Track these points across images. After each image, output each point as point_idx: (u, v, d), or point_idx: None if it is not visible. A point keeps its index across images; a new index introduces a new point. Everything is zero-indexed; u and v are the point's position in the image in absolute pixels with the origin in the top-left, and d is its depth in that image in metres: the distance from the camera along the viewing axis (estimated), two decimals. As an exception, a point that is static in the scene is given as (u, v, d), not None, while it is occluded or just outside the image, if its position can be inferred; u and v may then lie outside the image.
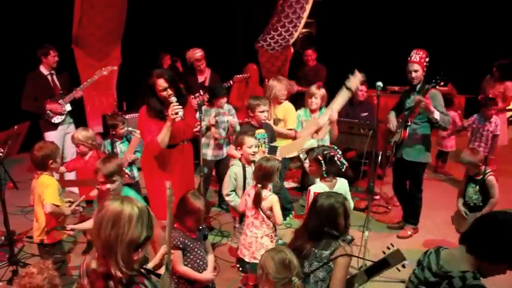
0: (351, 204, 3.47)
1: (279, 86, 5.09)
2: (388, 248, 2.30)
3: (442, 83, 4.35)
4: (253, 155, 3.95)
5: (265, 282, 2.32)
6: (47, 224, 3.52)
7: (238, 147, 4.04)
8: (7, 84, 6.31)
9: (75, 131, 5.05)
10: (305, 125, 4.97)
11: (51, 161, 3.44)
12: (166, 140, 3.70)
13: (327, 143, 4.99)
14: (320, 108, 5.09)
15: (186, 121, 3.82)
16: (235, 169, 4.02)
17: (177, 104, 3.62)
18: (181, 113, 3.61)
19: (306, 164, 4.01)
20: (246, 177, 4.00)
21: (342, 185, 3.52)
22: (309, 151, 3.59)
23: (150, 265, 2.83)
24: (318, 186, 3.44)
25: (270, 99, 5.00)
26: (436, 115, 4.36)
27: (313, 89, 5.04)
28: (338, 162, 3.44)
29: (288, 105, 5.20)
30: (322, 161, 3.41)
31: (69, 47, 7.30)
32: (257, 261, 3.46)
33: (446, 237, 4.70)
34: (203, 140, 4.53)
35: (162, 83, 3.68)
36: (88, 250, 4.54)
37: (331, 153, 3.43)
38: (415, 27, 9.33)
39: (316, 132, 4.85)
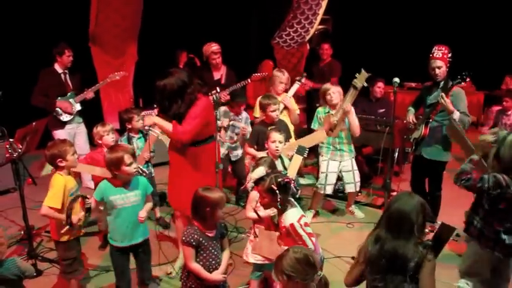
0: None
1: (282, 78, 5.16)
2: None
3: (468, 79, 4.28)
4: (277, 149, 3.98)
5: (294, 286, 2.33)
6: (50, 222, 3.57)
7: (266, 142, 4.11)
8: (25, 81, 6.37)
9: (86, 130, 5.07)
10: (322, 121, 4.96)
11: (59, 160, 3.42)
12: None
13: (346, 145, 5.00)
14: None
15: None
16: (259, 170, 4.01)
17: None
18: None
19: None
20: None
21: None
22: (258, 181, 3.15)
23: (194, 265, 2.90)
24: (293, 215, 3.06)
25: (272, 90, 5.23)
26: (455, 115, 4.30)
27: (327, 85, 5.01)
28: (293, 189, 3.05)
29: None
30: (277, 190, 2.98)
31: (86, 44, 7.37)
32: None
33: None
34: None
35: None
36: (105, 245, 4.58)
37: (285, 180, 3.02)
38: (431, 23, 9.23)
39: (331, 129, 4.83)
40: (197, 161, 3.74)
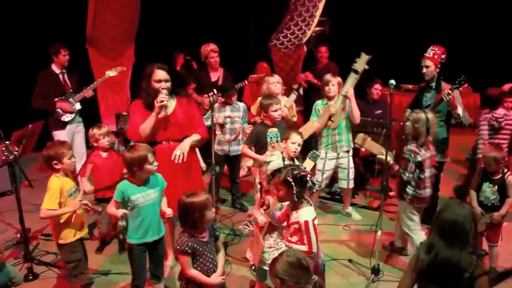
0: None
1: (272, 79, 5.12)
2: None
3: (466, 85, 4.33)
4: (295, 151, 3.97)
5: None
6: (50, 225, 3.54)
7: (283, 141, 4.10)
8: (22, 83, 6.38)
9: (84, 130, 5.07)
10: (321, 113, 4.97)
11: (55, 162, 3.41)
12: (147, 130, 3.66)
13: (345, 135, 5.02)
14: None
15: (178, 120, 3.81)
16: (277, 160, 3.99)
17: (165, 94, 3.62)
18: (166, 103, 3.60)
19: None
20: None
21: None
22: (274, 173, 3.18)
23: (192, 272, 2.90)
24: (309, 213, 3.01)
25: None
26: (459, 111, 4.33)
27: (328, 76, 5.00)
28: (310, 183, 3.00)
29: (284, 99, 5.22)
30: (293, 183, 2.93)
31: (84, 46, 7.37)
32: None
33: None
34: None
35: (160, 74, 3.70)
36: (102, 248, 4.57)
37: (302, 173, 2.99)
38: (429, 25, 9.24)
39: (331, 119, 4.83)
40: (188, 160, 3.74)
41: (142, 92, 3.77)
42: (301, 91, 5.33)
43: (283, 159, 4.05)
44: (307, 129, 4.70)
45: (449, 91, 4.24)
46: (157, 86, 3.69)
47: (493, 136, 5.08)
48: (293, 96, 5.25)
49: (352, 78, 4.69)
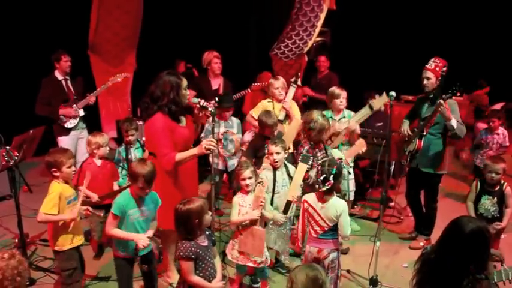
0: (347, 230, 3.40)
1: (276, 84, 5.09)
2: None
3: (458, 94, 4.32)
4: (275, 161, 4.00)
5: None
6: (48, 231, 3.53)
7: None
8: (23, 89, 6.40)
9: (89, 136, 5.08)
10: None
11: (54, 169, 3.41)
12: (183, 162, 3.60)
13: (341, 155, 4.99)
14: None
15: (190, 127, 3.83)
16: (266, 173, 4.07)
17: (213, 141, 3.51)
18: (213, 148, 3.52)
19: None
20: (276, 180, 4.04)
21: (334, 205, 3.38)
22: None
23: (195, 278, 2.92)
24: (308, 195, 3.50)
25: (271, 97, 5.14)
26: (453, 123, 4.32)
27: (337, 90, 4.97)
28: (314, 179, 3.37)
29: (291, 103, 5.16)
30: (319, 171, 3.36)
31: (86, 52, 7.40)
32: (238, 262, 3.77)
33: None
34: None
35: (186, 81, 3.73)
36: (100, 254, 4.56)
37: (317, 167, 3.39)
38: (429, 36, 9.30)
39: (331, 139, 4.82)
40: (176, 176, 3.71)
41: (168, 104, 3.57)
42: (299, 83, 5.20)
43: (274, 171, 4.06)
44: (292, 129, 4.69)
45: (442, 101, 4.23)
46: (185, 92, 3.69)
47: None
48: (292, 89, 5.13)
49: (364, 112, 4.71)
